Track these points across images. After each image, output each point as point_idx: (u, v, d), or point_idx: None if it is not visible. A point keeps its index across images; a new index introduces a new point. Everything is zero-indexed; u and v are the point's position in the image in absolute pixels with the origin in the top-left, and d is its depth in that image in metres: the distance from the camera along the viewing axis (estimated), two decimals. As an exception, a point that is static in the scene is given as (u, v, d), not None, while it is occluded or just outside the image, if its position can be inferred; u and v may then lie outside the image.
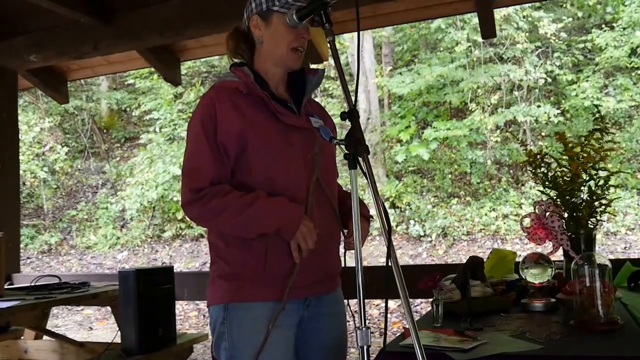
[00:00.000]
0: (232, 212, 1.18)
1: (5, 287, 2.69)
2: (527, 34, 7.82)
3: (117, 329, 2.38)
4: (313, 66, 2.81)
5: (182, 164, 1.26)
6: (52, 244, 8.44)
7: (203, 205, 1.19)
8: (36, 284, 2.60)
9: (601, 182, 1.42)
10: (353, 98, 1.09)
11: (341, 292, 1.37)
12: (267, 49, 1.29)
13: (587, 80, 7.45)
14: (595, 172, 1.43)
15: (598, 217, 1.44)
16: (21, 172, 4.21)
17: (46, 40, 3.22)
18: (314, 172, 1.24)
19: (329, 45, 1.14)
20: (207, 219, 1.23)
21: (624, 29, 7.53)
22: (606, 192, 1.42)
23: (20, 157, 3.84)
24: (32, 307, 2.25)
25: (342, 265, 1.34)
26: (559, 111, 7.43)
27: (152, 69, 4.05)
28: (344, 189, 1.45)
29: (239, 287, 1.22)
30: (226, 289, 1.23)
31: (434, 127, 7.55)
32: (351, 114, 1.08)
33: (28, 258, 8.01)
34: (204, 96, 1.27)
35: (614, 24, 7.68)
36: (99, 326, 5.59)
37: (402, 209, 7.33)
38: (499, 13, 7.21)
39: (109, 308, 3.24)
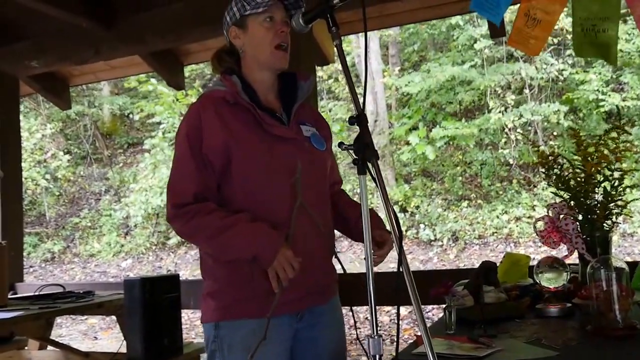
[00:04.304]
0: (210, 234, 1.17)
1: (9, 296, 2.67)
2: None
3: (123, 338, 2.36)
4: (318, 68, 2.79)
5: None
6: (55, 252, 8.43)
7: (185, 222, 1.19)
8: (40, 293, 2.58)
9: (616, 183, 1.40)
10: (361, 102, 1.07)
11: (338, 300, 1.35)
12: (251, 55, 1.28)
13: (597, 74, 7.27)
14: (611, 172, 1.40)
15: (614, 219, 1.41)
16: (23, 179, 4.18)
17: (47, 45, 3.21)
18: (297, 196, 1.20)
19: (335, 48, 1.12)
20: (188, 235, 1.25)
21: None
22: (622, 193, 1.39)
23: (22, 164, 3.83)
24: (36, 317, 2.23)
25: (343, 272, 1.32)
26: (570, 110, 7.32)
27: (151, 74, 4.05)
28: (350, 195, 1.42)
29: (228, 305, 1.22)
30: (215, 308, 1.23)
31: (442, 127, 7.47)
32: (359, 118, 1.06)
33: (31, 266, 8.00)
34: (191, 107, 1.26)
35: (627, 18, 7.59)
36: (103, 336, 5.56)
37: (412, 213, 7.27)
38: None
39: (113, 317, 3.22)
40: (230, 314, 1.21)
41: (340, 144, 1.08)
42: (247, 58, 1.29)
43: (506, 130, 7.50)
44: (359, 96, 1.07)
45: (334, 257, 1.31)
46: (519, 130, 7.43)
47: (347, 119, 1.07)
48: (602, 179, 1.42)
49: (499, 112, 7.56)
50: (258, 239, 1.16)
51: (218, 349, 1.21)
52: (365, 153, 1.02)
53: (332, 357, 1.30)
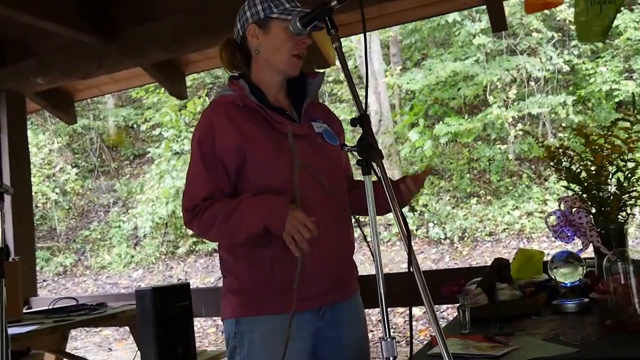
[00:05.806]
0: (220, 220, 1.18)
1: (24, 311, 2.68)
2: (543, 22, 7.55)
3: (137, 349, 2.36)
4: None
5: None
6: (67, 266, 8.50)
7: (198, 220, 1.21)
8: (54, 306, 2.59)
9: (629, 174, 1.37)
10: (363, 103, 1.06)
11: (359, 298, 1.35)
12: (266, 57, 1.27)
13: (606, 65, 7.17)
14: (624, 163, 1.38)
15: (628, 211, 1.38)
16: (33, 194, 4.22)
17: (51, 62, 3.24)
18: (303, 170, 1.19)
19: (335, 50, 1.11)
20: (204, 232, 1.25)
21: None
22: (636, 184, 1.37)
23: (32, 179, 3.86)
24: (51, 330, 2.25)
25: (358, 271, 1.32)
26: (578, 100, 7.19)
27: (155, 84, 4.08)
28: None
29: (248, 301, 1.22)
30: (236, 304, 1.24)
31: (445, 123, 7.40)
32: (361, 119, 1.05)
33: (44, 280, 8.07)
34: (202, 114, 1.28)
35: (634, 6, 7.48)
36: (118, 347, 5.57)
37: (420, 212, 7.21)
38: (510, 3, 7.04)
39: (127, 328, 3.22)
40: (251, 310, 1.21)
41: (343, 146, 1.08)
42: (260, 59, 1.29)
43: (512, 124, 7.42)
44: (360, 97, 1.06)
45: (355, 224, 1.28)
46: (525, 122, 7.34)
47: (349, 121, 1.07)
48: (614, 170, 1.39)
49: (504, 106, 7.48)
50: (264, 209, 1.17)
51: (239, 345, 1.22)
52: (369, 153, 1.01)
53: (356, 357, 1.30)
